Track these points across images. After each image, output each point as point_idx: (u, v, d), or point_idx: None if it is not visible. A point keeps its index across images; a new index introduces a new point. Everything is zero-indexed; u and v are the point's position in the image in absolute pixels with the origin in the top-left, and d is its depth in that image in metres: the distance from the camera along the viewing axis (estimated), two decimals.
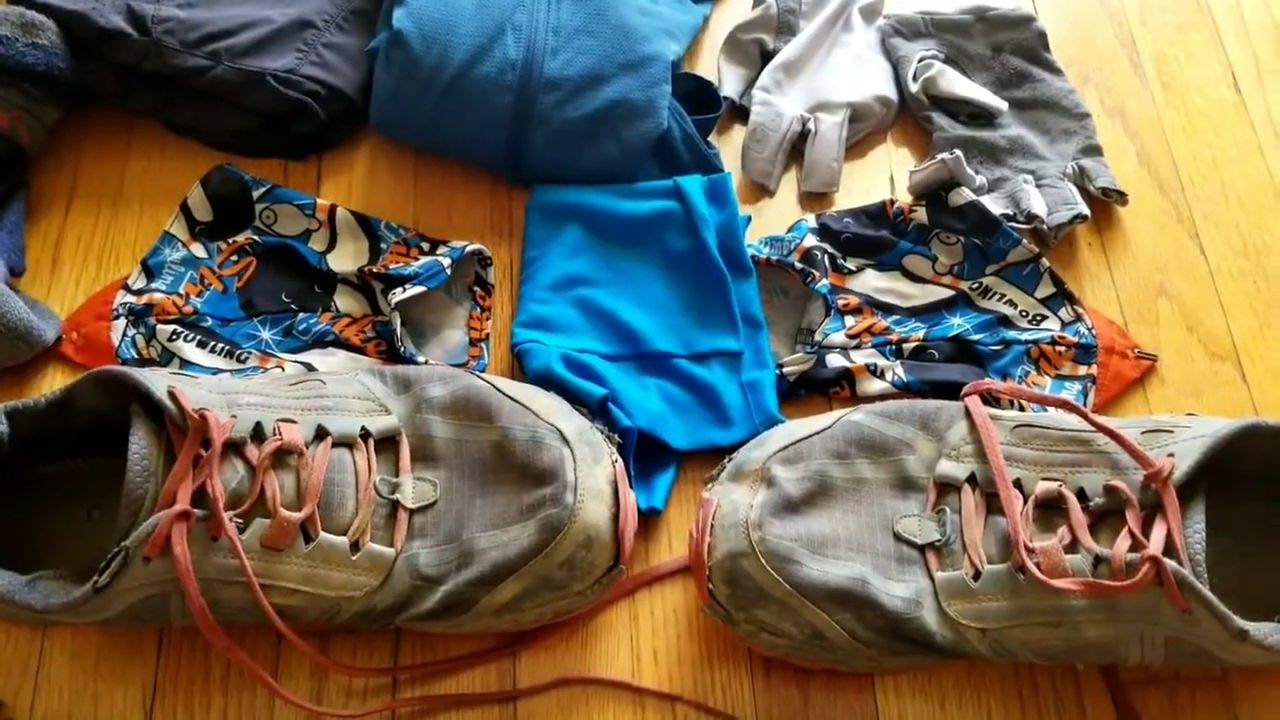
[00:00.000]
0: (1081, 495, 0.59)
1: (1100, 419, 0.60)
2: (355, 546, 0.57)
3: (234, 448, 0.55)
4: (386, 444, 0.60)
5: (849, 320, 0.72)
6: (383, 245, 0.73)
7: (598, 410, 0.64)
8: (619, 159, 0.73)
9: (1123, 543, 0.56)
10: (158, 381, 0.55)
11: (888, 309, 0.73)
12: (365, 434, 0.59)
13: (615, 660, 0.62)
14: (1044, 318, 0.73)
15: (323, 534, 0.56)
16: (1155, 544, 0.55)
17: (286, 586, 0.55)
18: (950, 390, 0.68)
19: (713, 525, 0.60)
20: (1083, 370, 0.71)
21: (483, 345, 0.70)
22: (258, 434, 0.56)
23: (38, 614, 0.54)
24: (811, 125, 0.77)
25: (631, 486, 0.61)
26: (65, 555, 0.60)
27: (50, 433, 0.59)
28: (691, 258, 0.71)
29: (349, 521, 0.57)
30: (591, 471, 0.58)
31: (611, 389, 0.66)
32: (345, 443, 0.58)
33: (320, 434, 0.58)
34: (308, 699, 0.60)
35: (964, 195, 0.74)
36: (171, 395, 0.54)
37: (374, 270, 0.70)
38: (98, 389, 0.57)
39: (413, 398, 0.61)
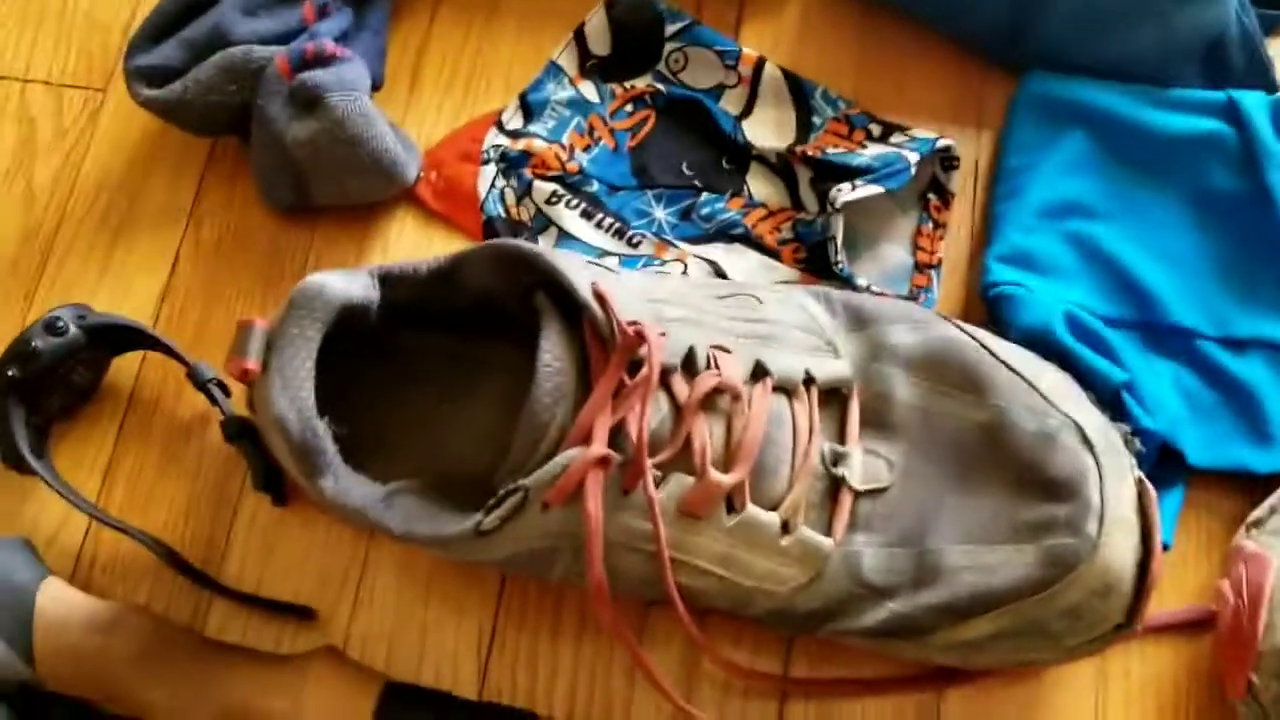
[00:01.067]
0: None
1: None
2: (785, 528, 0.42)
3: (660, 377, 0.41)
4: (830, 398, 0.45)
5: None
6: (815, 120, 0.57)
7: (1109, 400, 0.47)
8: (1156, 53, 0.54)
9: None
10: (579, 273, 0.41)
11: None
12: (809, 379, 0.44)
13: None
14: None
15: (750, 506, 0.42)
16: None
17: (699, 565, 0.42)
18: None
19: (1270, 596, 0.43)
20: None
21: (932, 274, 0.54)
22: (689, 362, 0.42)
23: (395, 538, 0.42)
24: None
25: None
26: (407, 447, 0.49)
27: (424, 304, 0.46)
28: (1241, 204, 0.52)
29: (781, 495, 0.42)
30: (1119, 491, 0.41)
31: (1127, 370, 0.48)
32: (785, 388, 0.44)
33: (758, 372, 0.43)
34: (675, 688, 0.47)
35: None
36: (599, 297, 0.40)
37: (808, 153, 0.54)
38: (496, 266, 0.44)
39: (869, 340, 0.46)
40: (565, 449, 0.39)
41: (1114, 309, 0.51)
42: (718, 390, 0.42)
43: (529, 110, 0.58)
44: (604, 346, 0.41)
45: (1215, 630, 0.46)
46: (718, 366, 0.42)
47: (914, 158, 0.52)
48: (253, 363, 0.41)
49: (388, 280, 0.45)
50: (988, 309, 0.52)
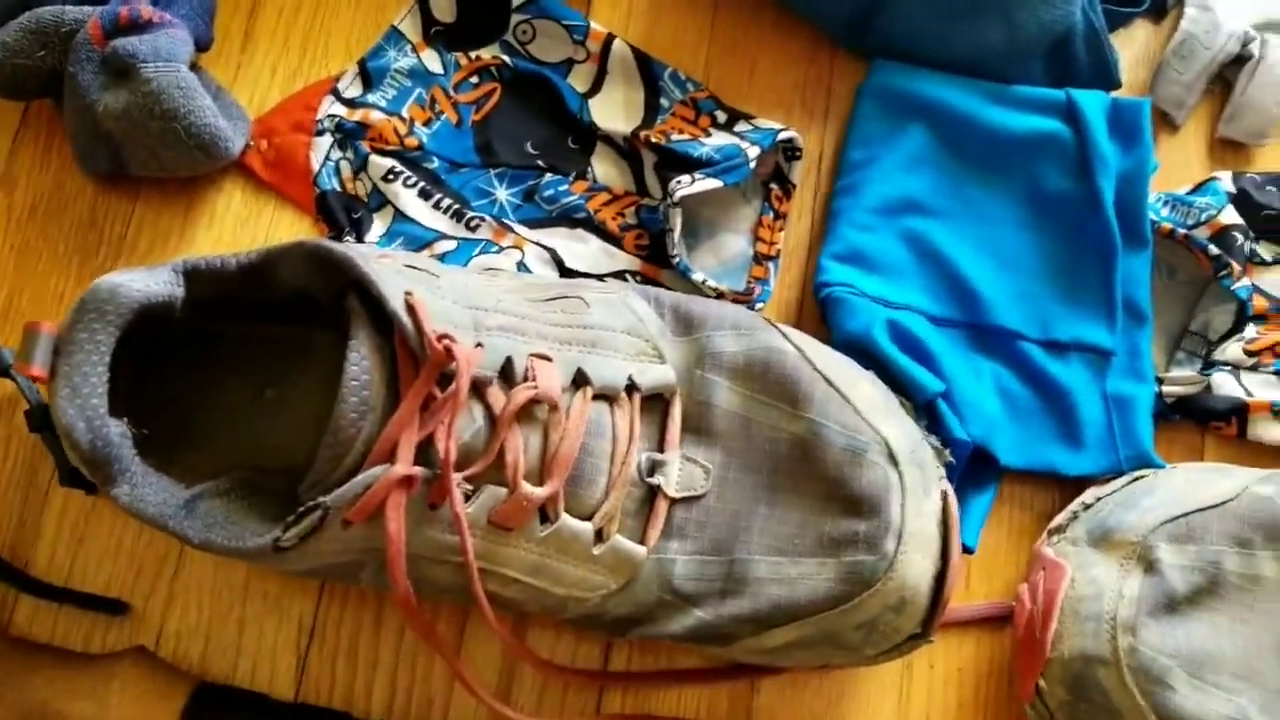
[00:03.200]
0: None
1: None
2: (600, 536, 0.43)
3: (474, 388, 0.40)
4: (652, 404, 0.45)
5: (1250, 330, 0.54)
6: (663, 102, 0.56)
7: (923, 409, 0.48)
8: (1002, 48, 0.54)
9: None
10: (391, 281, 0.40)
11: None
12: (631, 387, 0.44)
13: (876, 717, 0.49)
14: None
15: (565, 517, 0.42)
16: None
17: (507, 575, 0.42)
18: None
19: (1063, 605, 0.45)
20: None
21: (770, 265, 0.54)
22: (507, 372, 0.41)
23: (194, 547, 0.41)
24: (1255, 49, 0.57)
25: None
26: (223, 440, 0.47)
27: (237, 298, 0.44)
28: (1072, 206, 0.53)
29: (597, 503, 0.43)
30: (920, 509, 0.42)
31: (942, 375, 0.49)
32: (607, 395, 0.43)
33: (579, 380, 0.43)
34: (494, 688, 0.48)
35: None
36: (410, 309, 0.39)
37: (652, 139, 0.53)
38: (309, 265, 0.42)
39: (694, 345, 0.46)
40: (370, 465, 0.39)
41: (942, 309, 0.52)
42: (535, 401, 0.41)
43: (368, 78, 0.55)
44: (414, 359, 0.40)
45: (1012, 633, 0.48)
46: (535, 378, 0.41)
47: (754, 151, 0.52)
48: (38, 369, 0.39)
49: (194, 276, 0.43)
50: (818, 306, 0.52)
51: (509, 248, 0.53)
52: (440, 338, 0.39)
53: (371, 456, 0.39)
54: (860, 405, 0.44)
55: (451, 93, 0.55)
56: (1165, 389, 0.52)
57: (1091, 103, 0.54)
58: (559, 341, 0.43)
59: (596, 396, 0.43)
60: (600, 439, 0.43)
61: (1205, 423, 0.53)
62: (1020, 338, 0.52)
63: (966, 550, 0.49)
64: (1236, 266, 0.53)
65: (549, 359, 0.42)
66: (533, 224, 0.54)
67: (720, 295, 0.51)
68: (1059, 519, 0.48)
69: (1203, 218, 0.54)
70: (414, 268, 0.43)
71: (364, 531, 0.39)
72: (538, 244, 0.53)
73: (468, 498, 0.40)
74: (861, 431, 0.43)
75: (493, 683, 0.48)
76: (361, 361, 0.39)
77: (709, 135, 0.54)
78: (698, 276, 0.51)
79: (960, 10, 0.53)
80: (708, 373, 0.45)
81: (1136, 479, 0.49)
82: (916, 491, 0.43)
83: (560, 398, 0.42)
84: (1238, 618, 0.45)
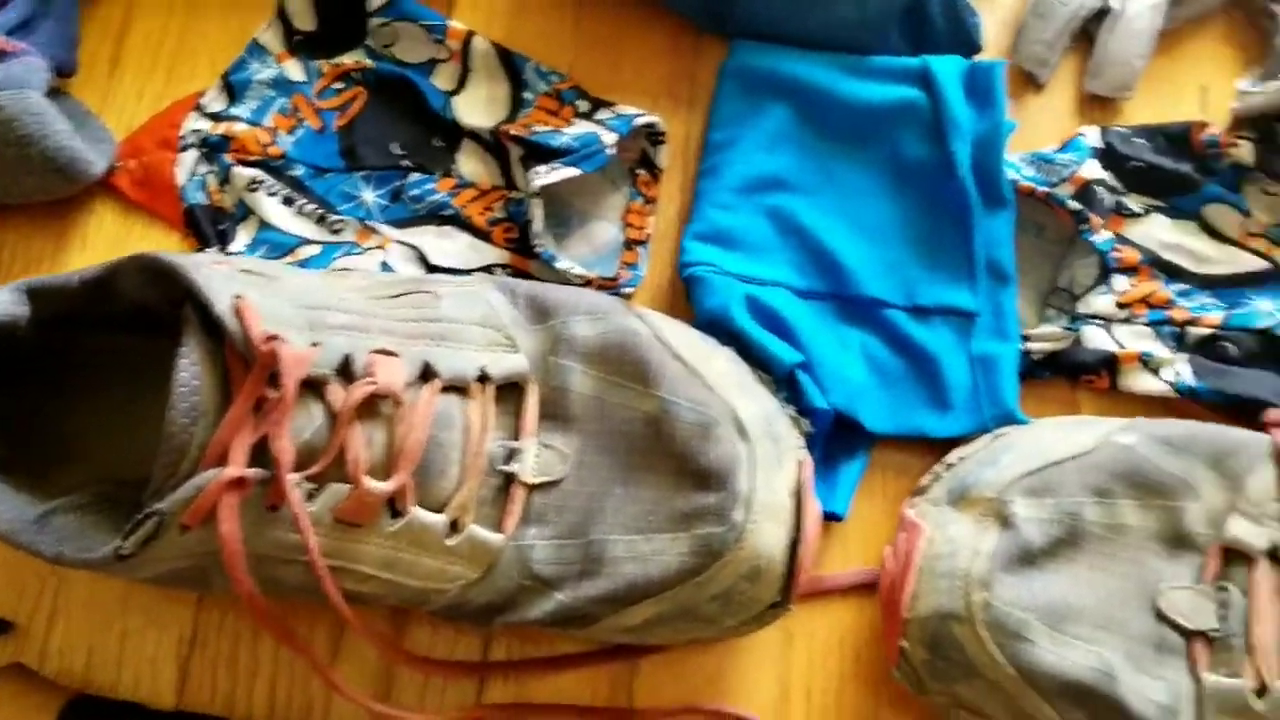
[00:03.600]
0: None
1: None
2: (454, 527, 0.43)
3: (313, 387, 0.41)
4: (508, 393, 0.45)
5: (1121, 282, 0.54)
6: (527, 95, 0.56)
7: (784, 381, 0.48)
8: (856, 23, 0.54)
9: None
10: (219, 286, 0.41)
11: (1174, 273, 0.55)
12: (484, 377, 0.44)
13: (757, 691, 0.49)
14: None
15: (415, 510, 0.42)
16: None
17: (361, 571, 0.42)
18: (1251, 409, 0.51)
19: (920, 564, 0.45)
20: None
21: (640, 250, 0.54)
22: (346, 369, 0.42)
23: (48, 561, 0.42)
24: (1115, 2, 0.57)
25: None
26: (82, 455, 0.48)
27: (84, 314, 0.45)
28: (931, 172, 0.53)
29: (449, 494, 0.43)
30: (771, 480, 0.43)
31: (805, 347, 0.50)
32: (457, 387, 0.44)
33: (427, 374, 0.43)
34: (373, 687, 0.48)
35: None
36: (237, 313, 0.40)
37: (512, 131, 0.54)
38: (145, 277, 0.43)
39: (549, 333, 0.46)
40: (204, 469, 0.39)
41: (808, 282, 0.52)
42: (377, 397, 0.42)
43: (232, 91, 0.56)
44: (244, 362, 0.40)
45: (877, 597, 0.48)
46: (375, 374, 0.42)
47: (611, 138, 0.52)
48: None
49: (37, 294, 0.43)
50: (684, 286, 0.52)
51: (373, 248, 0.53)
52: (268, 339, 0.40)
53: (205, 461, 0.39)
54: (712, 380, 0.44)
55: (314, 99, 0.56)
56: (1033, 346, 0.52)
57: (946, 68, 0.54)
58: (405, 336, 0.44)
59: (446, 389, 0.43)
60: (450, 430, 0.43)
61: (1076, 377, 0.53)
62: (885, 305, 0.52)
63: (835, 518, 0.50)
64: (1096, 220, 0.53)
65: (394, 354, 0.43)
66: (400, 224, 0.54)
67: (588, 282, 0.52)
68: (923, 480, 0.49)
69: (1065, 174, 0.54)
70: (250, 272, 0.43)
71: (201, 535, 0.40)
72: (403, 243, 0.53)
73: (311, 496, 0.41)
74: (711, 406, 0.43)
75: (374, 680, 0.49)
76: (191, 368, 0.39)
77: (571, 125, 0.54)
78: (563, 265, 0.52)
79: None
80: (563, 358, 0.46)
81: (998, 436, 0.49)
82: (768, 463, 0.43)
83: (404, 392, 0.42)
84: (1100, 568, 0.45)
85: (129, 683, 0.48)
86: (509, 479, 0.44)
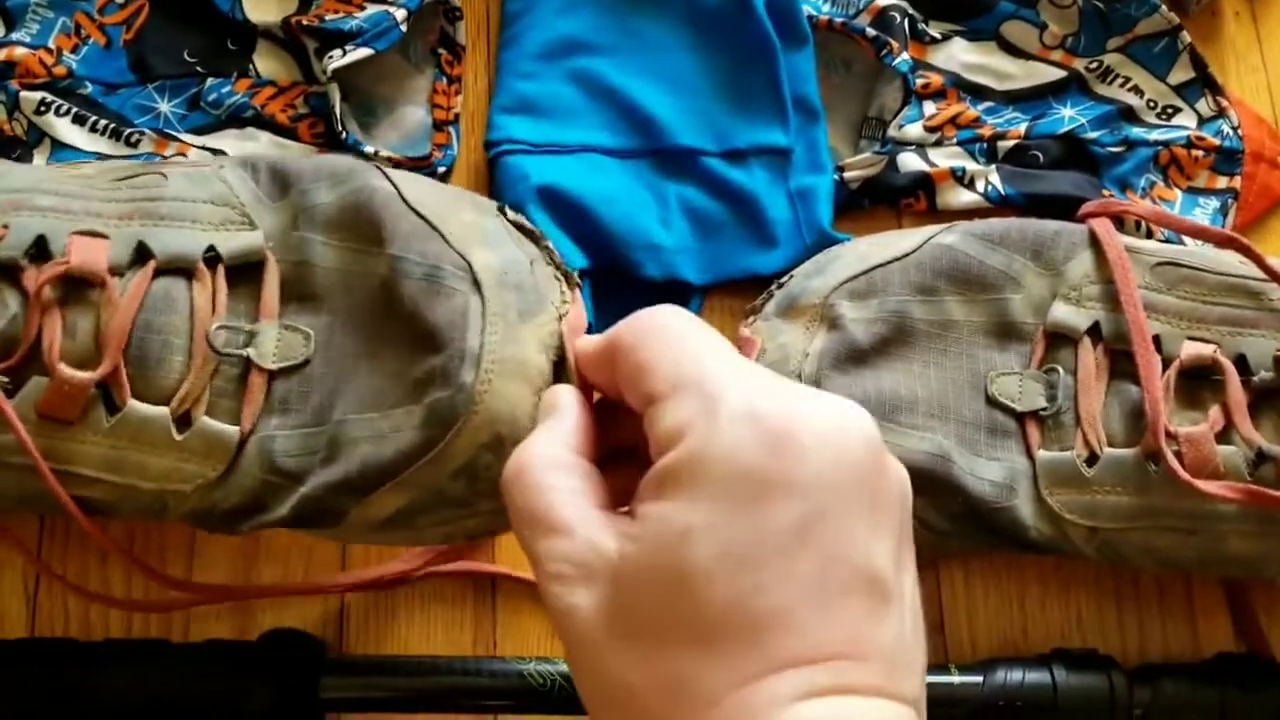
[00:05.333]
0: (1242, 365, 0.45)
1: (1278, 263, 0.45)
2: (184, 422, 0.39)
3: (5, 273, 0.39)
4: (248, 273, 0.41)
5: (929, 107, 0.55)
6: None
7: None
8: None
9: None
10: None
11: (978, 92, 0.56)
12: (213, 257, 0.41)
13: None
14: (1176, 111, 0.57)
15: (132, 402, 0.39)
16: None
17: (83, 474, 0.39)
18: (1061, 207, 0.52)
19: None
20: (1222, 182, 0.56)
21: (450, 130, 0.54)
22: (41, 251, 0.39)
23: None
24: None
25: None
26: None
27: None
28: (729, 16, 0.53)
29: (174, 386, 0.39)
30: (514, 332, 0.37)
31: (620, 209, 0.49)
32: (179, 268, 0.40)
33: (142, 255, 0.40)
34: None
35: None
36: None
37: (304, 22, 0.52)
38: None
39: (290, 206, 0.41)
40: None
41: (620, 140, 0.52)
42: (76, 278, 0.39)
43: (9, 16, 0.53)
44: None
45: None
46: (70, 254, 0.39)
47: (401, 14, 0.51)
48: None
49: None
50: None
51: (173, 157, 0.52)
52: None
53: None
54: (452, 233, 0.39)
55: (96, 15, 0.54)
56: (848, 174, 0.53)
57: None
58: (117, 218, 0.41)
59: (166, 271, 0.40)
60: (170, 315, 0.40)
61: (895, 202, 0.54)
62: (701, 153, 0.52)
63: None
64: (895, 44, 0.54)
65: (102, 235, 0.40)
66: (200, 130, 0.53)
67: (398, 165, 0.51)
68: (754, 303, 0.49)
69: (861, 4, 0.55)
70: None
71: None
72: (205, 148, 0.52)
73: (10, 393, 0.38)
74: (443, 258, 0.38)
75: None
76: None
77: (362, 10, 0.53)
78: (369, 149, 0.51)
79: None
80: (303, 230, 0.41)
81: (826, 253, 0.49)
82: (507, 314, 0.37)
83: (107, 273, 0.39)
84: (931, 362, 0.46)
85: None
86: (248, 365, 0.40)
